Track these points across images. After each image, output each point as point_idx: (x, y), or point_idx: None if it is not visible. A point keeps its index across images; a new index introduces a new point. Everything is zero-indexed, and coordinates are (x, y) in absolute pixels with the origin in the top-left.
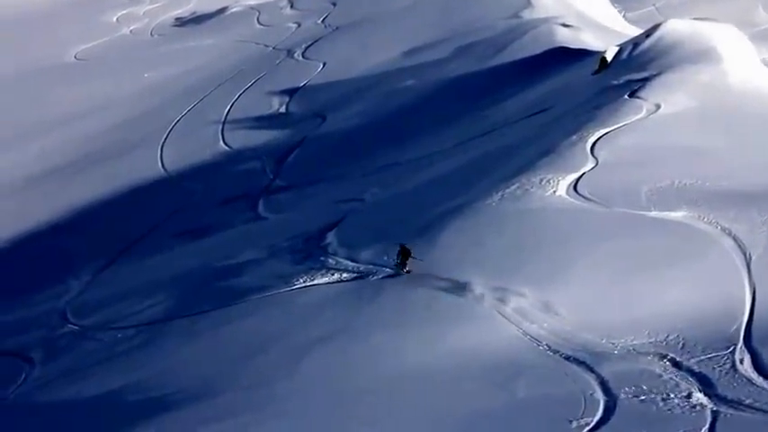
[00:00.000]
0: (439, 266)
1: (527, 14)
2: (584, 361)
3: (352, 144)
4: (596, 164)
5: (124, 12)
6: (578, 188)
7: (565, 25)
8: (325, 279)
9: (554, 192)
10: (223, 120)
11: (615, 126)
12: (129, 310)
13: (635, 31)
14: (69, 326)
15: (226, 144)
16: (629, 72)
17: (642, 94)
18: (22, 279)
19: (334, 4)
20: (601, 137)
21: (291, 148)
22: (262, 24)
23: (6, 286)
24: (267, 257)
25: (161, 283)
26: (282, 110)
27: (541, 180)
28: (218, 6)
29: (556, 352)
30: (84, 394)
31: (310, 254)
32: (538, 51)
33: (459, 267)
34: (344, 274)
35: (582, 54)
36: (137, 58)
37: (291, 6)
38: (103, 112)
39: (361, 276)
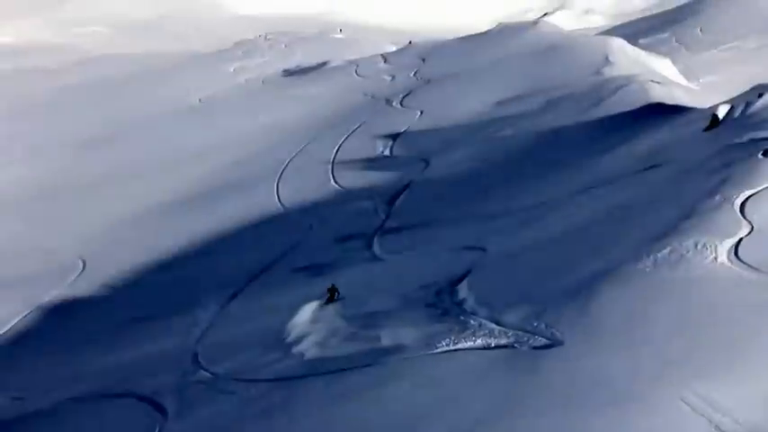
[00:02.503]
0: (601, 339)
1: (607, 72)
2: None
3: (459, 189)
4: (752, 228)
5: (239, 64)
6: (740, 255)
7: (655, 82)
8: (470, 343)
9: (714, 258)
10: (332, 160)
11: (761, 187)
12: (262, 359)
13: (714, 89)
14: (202, 372)
15: (337, 183)
16: (746, 131)
17: None
18: (150, 308)
19: (423, 60)
20: (748, 198)
21: (399, 190)
22: (360, 76)
23: (136, 315)
24: (399, 309)
25: (288, 332)
26: (387, 153)
27: (696, 245)
28: (320, 60)
29: None
30: None
31: (447, 310)
32: (633, 107)
33: (626, 343)
34: (491, 340)
35: (679, 110)
36: (250, 103)
37: (385, 61)
38: (223, 150)
39: (513, 344)
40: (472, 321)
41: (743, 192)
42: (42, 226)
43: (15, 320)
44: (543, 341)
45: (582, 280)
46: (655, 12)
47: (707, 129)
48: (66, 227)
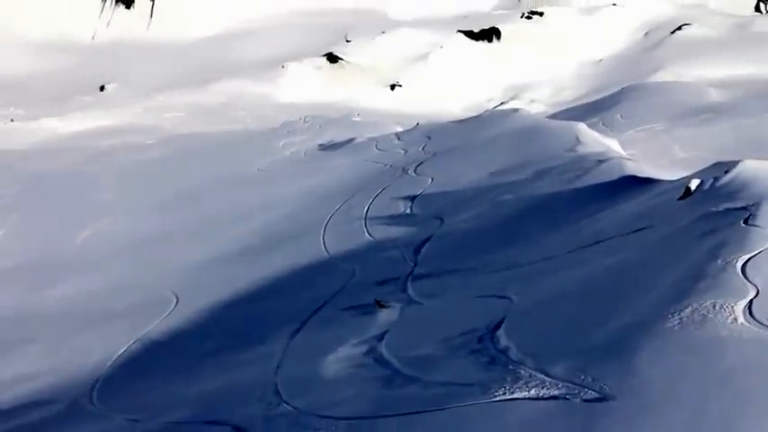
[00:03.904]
0: (650, 396)
1: (580, 149)
2: None
3: (473, 242)
4: (758, 291)
5: (286, 140)
6: (755, 315)
7: (626, 158)
8: (525, 393)
9: (735, 319)
10: (364, 217)
11: (759, 250)
12: (335, 396)
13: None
14: (284, 405)
15: (370, 235)
16: (720, 201)
17: (757, 222)
18: (230, 339)
19: (429, 138)
20: (746, 262)
21: (422, 242)
22: (379, 150)
23: (219, 346)
24: (447, 355)
25: (364, 367)
26: (408, 211)
27: (715, 305)
28: (348, 137)
29: None
30: None
31: (493, 358)
32: (613, 178)
33: (675, 400)
34: (543, 391)
35: (651, 182)
36: (295, 170)
37: (398, 139)
38: (277, 207)
39: (565, 396)
40: (522, 371)
41: (740, 255)
42: (141, 267)
43: (123, 349)
44: (594, 394)
45: (615, 334)
46: (583, 102)
47: (681, 198)
48: (160, 268)
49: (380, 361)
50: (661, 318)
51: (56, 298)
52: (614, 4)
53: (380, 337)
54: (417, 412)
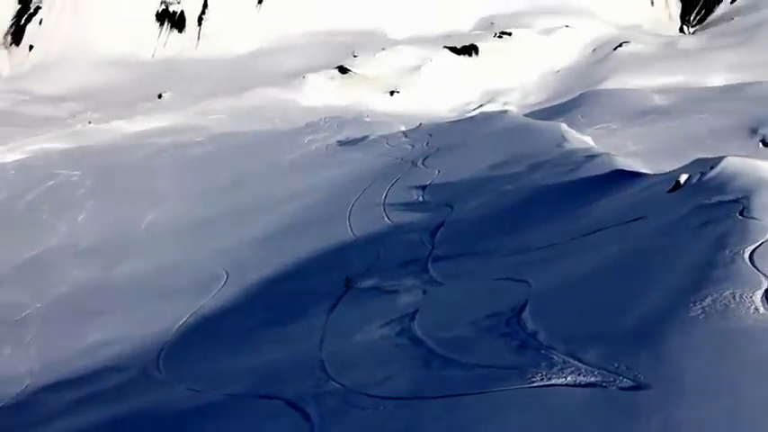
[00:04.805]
0: (685, 386)
1: (566, 146)
2: None
3: (482, 228)
4: None
5: (310, 137)
6: None
7: (613, 154)
8: (562, 380)
9: (756, 309)
10: (383, 203)
11: (762, 241)
12: (376, 374)
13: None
14: (332, 383)
15: (389, 220)
16: (710, 194)
17: (752, 214)
18: (274, 314)
19: (431, 135)
20: (752, 252)
21: (437, 226)
22: (389, 146)
23: (264, 320)
24: (478, 337)
25: (400, 346)
26: (420, 199)
27: (734, 296)
28: (362, 135)
29: None
30: None
31: (523, 342)
32: (604, 171)
33: (713, 390)
34: (578, 377)
35: (638, 175)
36: (319, 163)
37: (405, 136)
38: (306, 194)
39: (601, 384)
40: (555, 357)
41: (745, 246)
42: (195, 247)
43: (182, 321)
44: (629, 383)
45: (641, 322)
46: (546, 105)
47: (670, 191)
48: (211, 247)
49: (415, 340)
50: (683, 307)
51: (125, 274)
52: (567, 26)
53: (411, 317)
54: (463, 394)
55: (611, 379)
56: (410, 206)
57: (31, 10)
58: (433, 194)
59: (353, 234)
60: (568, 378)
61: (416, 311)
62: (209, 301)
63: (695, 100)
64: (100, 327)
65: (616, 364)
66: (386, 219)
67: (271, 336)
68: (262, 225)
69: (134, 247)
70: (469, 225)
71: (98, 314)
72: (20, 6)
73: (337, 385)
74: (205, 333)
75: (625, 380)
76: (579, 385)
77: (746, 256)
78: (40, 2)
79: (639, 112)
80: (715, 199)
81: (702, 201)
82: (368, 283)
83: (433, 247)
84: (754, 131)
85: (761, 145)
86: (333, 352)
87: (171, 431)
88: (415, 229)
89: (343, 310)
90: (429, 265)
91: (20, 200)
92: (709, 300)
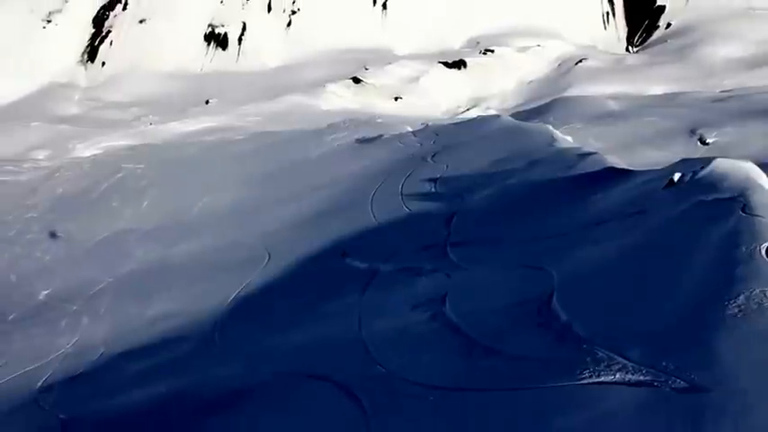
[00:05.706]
0: (746, 389)
1: (558, 144)
2: None
3: (492, 217)
4: None
5: (333, 136)
6: None
7: (603, 153)
8: (611, 377)
9: None
10: (400, 193)
11: None
12: (415, 361)
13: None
14: (378, 368)
15: (408, 208)
16: (706, 191)
17: (755, 211)
18: (313, 294)
19: (437, 134)
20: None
21: (450, 215)
22: (401, 143)
23: (305, 300)
24: (512, 326)
25: (434, 333)
26: (433, 190)
27: (764, 293)
28: (377, 134)
29: None
30: None
31: (560, 334)
32: (597, 169)
33: None
34: (627, 376)
35: (630, 173)
36: (342, 158)
37: (414, 135)
38: (331, 186)
39: (653, 383)
40: (599, 353)
41: (759, 243)
42: (240, 230)
43: (232, 296)
44: (682, 384)
45: (680, 319)
46: (522, 109)
47: (665, 187)
48: (254, 230)
49: (450, 326)
50: (719, 304)
51: (182, 253)
52: (539, 45)
53: (441, 301)
54: (512, 389)
55: (663, 379)
56: (424, 196)
57: (104, 33)
58: (443, 186)
59: (376, 220)
60: (617, 376)
61: (445, 295)
62: (254, 279)
63: (642, 106)
64: (161, 300)
65: (664, 363)
66: (404, 207)
67: (311, 315)
68: (298, 211)
69: (188, 230)
70: (481, 214)
71: (160, 290)
72: (93, 30)
73: (383, 370)
74: (251, 310)
75: (678, 381)
76: (630, 384)
77: (764, 253)
78: (111, 26)
79: (598, 115)
80: (712, 196)
81: (700, 197)
82: (393, 265)
83: (449, 233)
84: (692, 132)
85: (699, 143)
86: (372, 333)
87: (228, 404)
88: (432, 217)
89: (373, 292)
90: (448, 250)
91: (95, 189)
92: (741, 298)
